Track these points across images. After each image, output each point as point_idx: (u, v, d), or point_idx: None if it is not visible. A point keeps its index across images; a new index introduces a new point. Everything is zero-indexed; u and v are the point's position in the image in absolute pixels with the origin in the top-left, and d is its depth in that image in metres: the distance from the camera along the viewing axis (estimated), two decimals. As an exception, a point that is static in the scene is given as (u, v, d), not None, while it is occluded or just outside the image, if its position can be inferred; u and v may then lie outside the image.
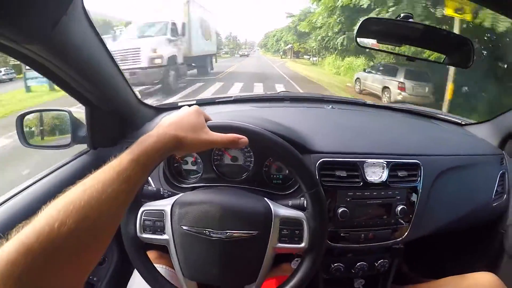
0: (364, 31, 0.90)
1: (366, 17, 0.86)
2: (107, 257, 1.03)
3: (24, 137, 0.95)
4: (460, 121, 1.35)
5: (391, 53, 0.99)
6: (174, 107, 1.20)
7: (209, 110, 0.67)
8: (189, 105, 0.63)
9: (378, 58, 12.52)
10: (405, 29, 0.88)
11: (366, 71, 10.68)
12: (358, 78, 10.90)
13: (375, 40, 0.94)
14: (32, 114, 0.98)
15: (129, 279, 0.90)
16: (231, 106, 1.26)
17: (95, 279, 0.97)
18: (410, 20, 0.80)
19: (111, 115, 0.94)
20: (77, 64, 0.71)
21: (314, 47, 23.66)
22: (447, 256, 1.26)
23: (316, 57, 27.52)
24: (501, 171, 1.11)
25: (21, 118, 0.94)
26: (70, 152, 1.00)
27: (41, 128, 1.00)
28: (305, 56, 33.77)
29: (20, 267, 0.32)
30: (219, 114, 1.06)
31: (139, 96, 1.04)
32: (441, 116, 1.39)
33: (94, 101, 0.86)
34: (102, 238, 0.41)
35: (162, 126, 0.54)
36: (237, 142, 0.60)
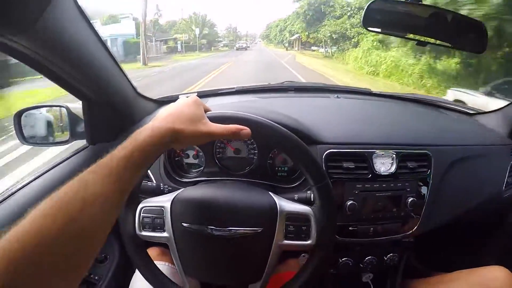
0: (369, 21, 0.87)
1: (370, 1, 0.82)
2: (109, 255, 1.01)
3: (22, 134, 0.93)
4: (468, 111, 1.32)
5: (401, 37, 0.95)
6: (175, 99, 1.17)
7: (210, 102, 0.65)
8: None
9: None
10: (411, 17, 0.85)
11: (486, 91, 5.41)
12: (460, 101, 5.16)
13: (380, 29, 0.91)
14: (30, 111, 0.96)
15: (131, 277, 0.88)
16: (233, 97, 1.23)
17: (96, 277, 0.95)
18: (420, 3, 0.76)
19: (109, 109, 0.92)
20: (68, 56, 0.68)
21: (331, 36, 19.67)
22: (457, 249, 1.24)
23: (327, 48, 23.18)
24: (511, 162, 1.08)
25: (18, 115, 0.92)
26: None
27: (61, 124, 0.98)
28: (313, 48, 28.88)
29: (3, 276, 0.30)
30: (220, 105, 1.03)
31: (138, 89, 1.02)
32: (449, 105, 1.36)
33: (90, 94, 0.83)
34: (92, 242, 0.39)
35: (158, 119, 0.51)
36: (239, 134, 0.57)
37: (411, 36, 0.88)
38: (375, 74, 12.01)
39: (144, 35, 19.25)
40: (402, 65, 10.51)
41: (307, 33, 27.18)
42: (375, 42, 12.94)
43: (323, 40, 23.29)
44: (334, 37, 20.08)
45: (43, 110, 1.00)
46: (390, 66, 11.09)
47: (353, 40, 17.00)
